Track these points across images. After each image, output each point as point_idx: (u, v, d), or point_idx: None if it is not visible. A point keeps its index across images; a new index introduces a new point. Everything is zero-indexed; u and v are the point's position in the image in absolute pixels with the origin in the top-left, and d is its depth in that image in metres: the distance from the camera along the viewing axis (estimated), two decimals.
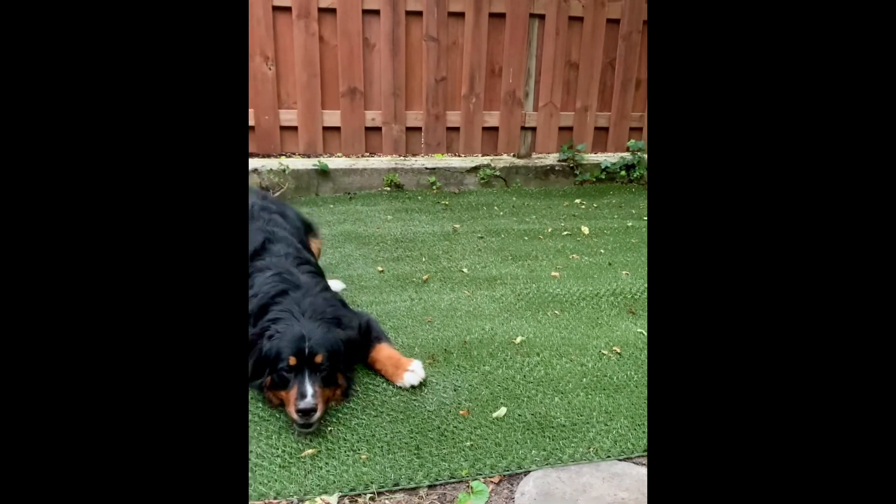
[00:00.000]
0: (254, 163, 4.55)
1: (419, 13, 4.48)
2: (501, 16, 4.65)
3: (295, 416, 1.89)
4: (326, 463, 1.82)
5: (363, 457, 1.84)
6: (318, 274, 2.49)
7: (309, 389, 1.89)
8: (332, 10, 4.31)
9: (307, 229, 2.89)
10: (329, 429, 1.95)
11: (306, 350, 1.95)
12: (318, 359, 1.96)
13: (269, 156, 4.78)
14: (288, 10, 4.24)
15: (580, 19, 4.81)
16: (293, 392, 1.91)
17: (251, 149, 4.54)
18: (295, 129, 4.53)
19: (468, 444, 1.91)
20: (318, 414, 1.90)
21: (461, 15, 4.57)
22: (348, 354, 2.11)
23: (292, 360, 1.94)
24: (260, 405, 2.06)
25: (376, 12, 4.40)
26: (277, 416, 2.01)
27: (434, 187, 4.76)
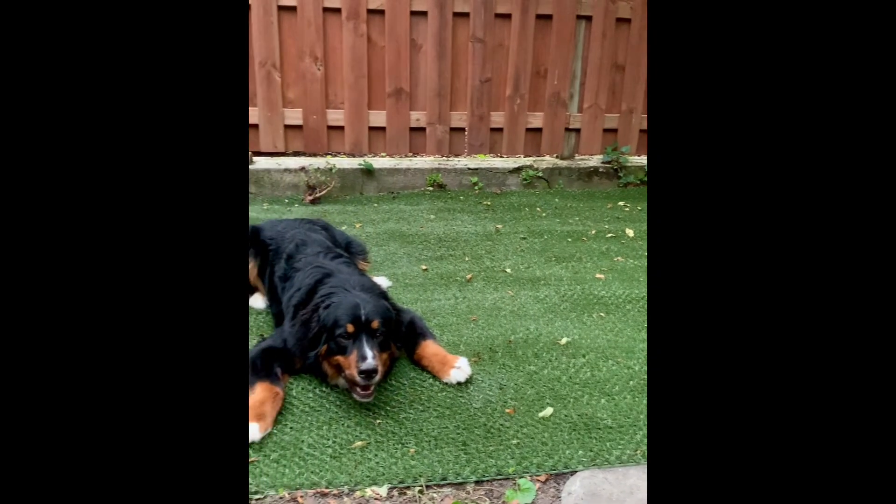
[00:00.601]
0: (301, 161, 4.65)
1: (466, 14, 4.51)
2: (548, 17, 4.65)
3: (357, 378, 1.95)
4: (375, 455, 1.86)
5: (411, 450, 1.87)
6: (355, 265, 2.59)
7: (369, 352, 1.96)
8: (381, 12, 4.38)
9: (357, 251, 3.02)
10: (378, 421, 2.00)
11: (363, 317, 2.02)
12: (375, 324, 2.03)
13: (315, 155, 4.88)
14: (338, 11, 4.33)
15: (627, 21, 4.76)
16: (353, 356, 1.98)
17: (299, 147, 4.65)
18: (341, 128, 4.61)
19: (514, 441, 1.92)
20: (378, 376, 1.97)
21: (508, 16, 4.58)
22: (398, 325, 2.19)
23: (350, 328, 2.01)
24: (311, 395, 2.11)
25: (424, 14, 4.45)
26: (328, 406, 2.07)
27: (476, 188, 4.78)
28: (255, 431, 1.87)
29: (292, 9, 4.28)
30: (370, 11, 4.36)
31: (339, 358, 2.03)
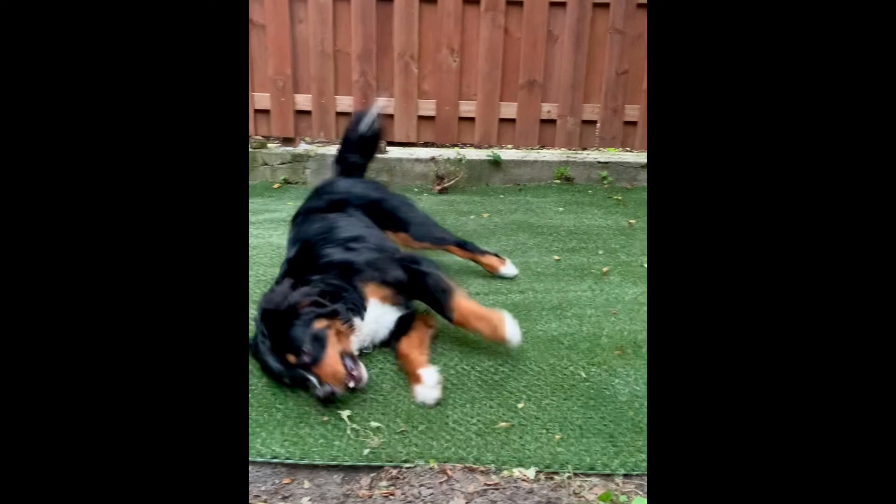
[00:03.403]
0: (431, 151, 4.75)
1: (606, 5, 4.38)
2: None
3: None
4: (520, 437, 1.85)
5: (556, 437, 1.85)
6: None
7: None
8: (520, 3, 4.35)
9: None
10: (520, 405, 1.99)
11: None
12: None
13: (443, 145, 4.96)
14: (477, 2, 4.36)
15: None
16: None
17: (429, 138, 4.74)
18: (472, 119, 4.64)
19: None
20: None
21: None
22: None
23: None
24: (452, 373, 2.14)
25: (563, 5, 4.37)
26: (469, 385, 2.09)
27: (605, 182, 4.65)
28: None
29: (433, 1, 4.37)
30: (509, 3, 4.36)
31: None
